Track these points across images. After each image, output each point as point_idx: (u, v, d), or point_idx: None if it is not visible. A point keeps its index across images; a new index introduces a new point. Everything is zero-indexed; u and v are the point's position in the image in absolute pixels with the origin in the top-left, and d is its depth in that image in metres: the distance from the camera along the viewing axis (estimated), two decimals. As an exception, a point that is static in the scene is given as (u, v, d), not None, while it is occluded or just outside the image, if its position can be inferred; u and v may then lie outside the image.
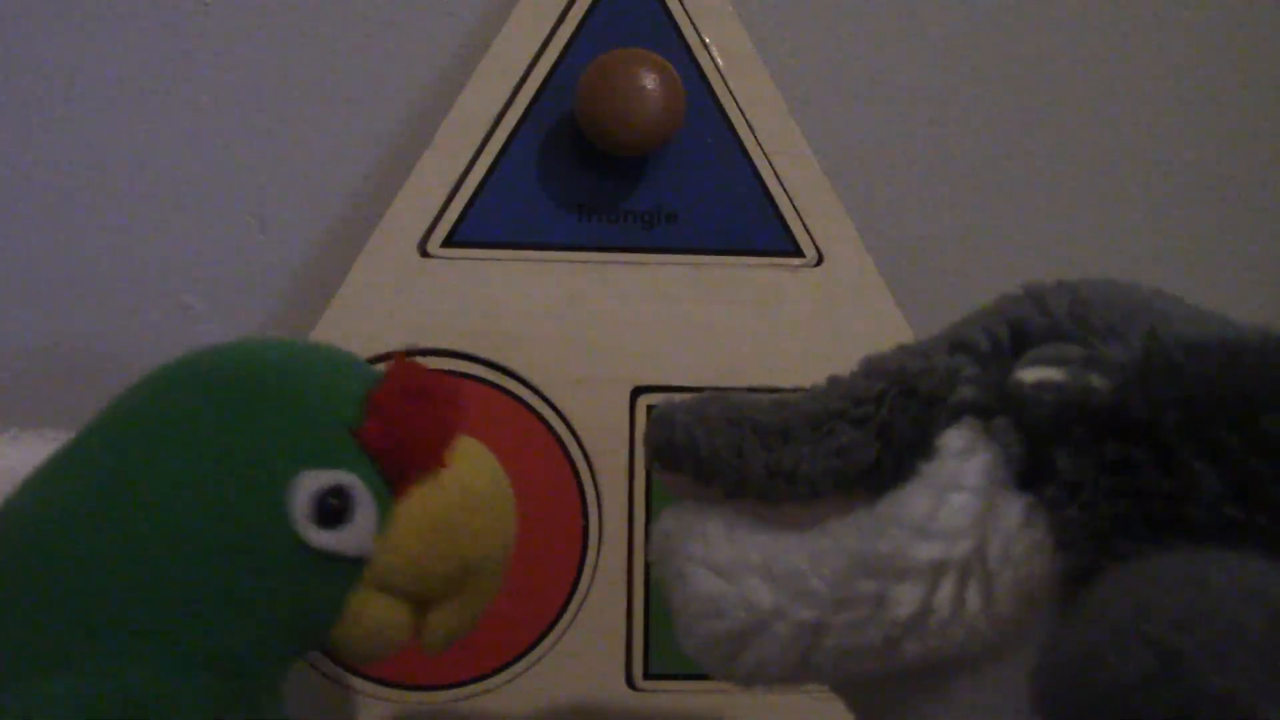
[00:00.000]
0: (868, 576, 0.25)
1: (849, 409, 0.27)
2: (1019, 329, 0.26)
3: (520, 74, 0.46)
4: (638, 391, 0.46)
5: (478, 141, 0.46)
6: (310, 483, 0.30)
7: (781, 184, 0.47)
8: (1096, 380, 0.24)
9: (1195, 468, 0.22)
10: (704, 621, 0.27)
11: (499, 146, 0.46)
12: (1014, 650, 0.25)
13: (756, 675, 0.27)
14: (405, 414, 0.31)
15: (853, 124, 0.55)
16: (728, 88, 0.47)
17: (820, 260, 0.47)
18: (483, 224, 0.46)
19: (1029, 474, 0.24)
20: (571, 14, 0.47)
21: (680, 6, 0.47)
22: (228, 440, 0.30)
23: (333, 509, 0.30)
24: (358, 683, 0.44)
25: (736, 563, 0.27)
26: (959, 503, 0.24)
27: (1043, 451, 0.24)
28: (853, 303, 0.47)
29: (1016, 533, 0.24)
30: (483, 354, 0.46)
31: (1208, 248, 0.58)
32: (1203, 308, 0.27)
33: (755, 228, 0.47)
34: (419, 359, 0.44)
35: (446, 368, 0.45)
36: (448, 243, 0.46)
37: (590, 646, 0.45)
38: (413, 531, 0.31)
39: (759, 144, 0.47)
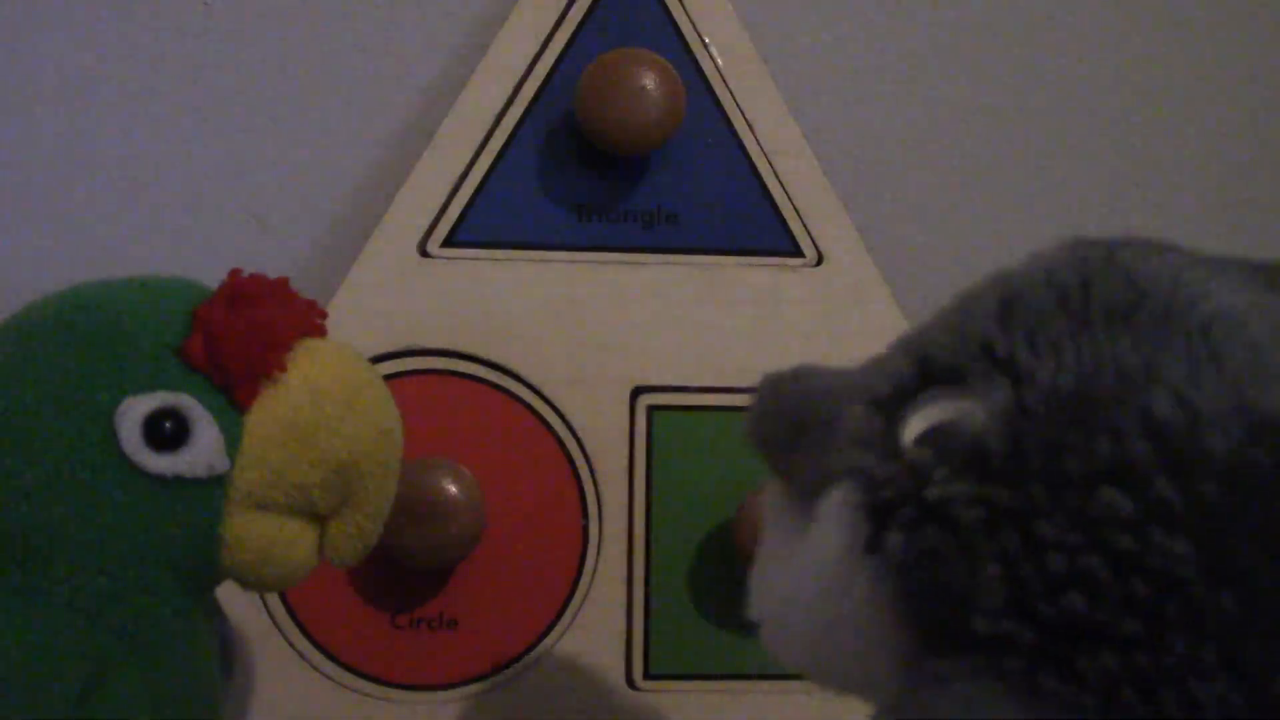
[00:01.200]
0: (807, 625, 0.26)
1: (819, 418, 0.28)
2: (925, 364, 0.25)
3: (520, 74, 0.46)
4: (638, 391, 0.46)
5: (478, 141, 0.46)
6: (135, 408, 0.30)
7: (781, 184, 0.47)
8: (955, 445, 0.23)
9: (988, 571, 0.22)
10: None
11: (499, 146, 0.46)
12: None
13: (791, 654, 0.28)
14: (229, 323, 0.31)
15: (853, 124, 0.55)
16: (728, 88, 0.47)
17: (820, 260, 0.47)
18: (483, 224, 0.46)
19: (872, 548, 0.24)
20: (571, 14, 0.47)
21: (680, 6, 0.47)
22: (50, 380, 0.30)
23: (168, 432, 0.30)
24: (358, 683, 0.44)
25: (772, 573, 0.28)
26: (823, 575, 0.25)
27: (883, 532, 0.23)
28: (853, 303, 0.47)
29: (865, 600, 0.24)
30: (483, 354, 0.46)
31: (1210, 248, 0.58)
32: (1213, 259, 0.26)
33: (755, 228, 0.47)
34: (419, 358, 0.44)
35: (446, 368, 0.45)
36: (448, 243, 0.46)
37: (590, 646, 0.45)
38: (267, 441, 0.31)
39: (759, 144, 0.47)
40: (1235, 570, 0.20)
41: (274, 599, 0.44)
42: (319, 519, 0.33)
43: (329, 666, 0.44)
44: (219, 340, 0.30)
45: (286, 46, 0.52)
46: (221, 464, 0.30)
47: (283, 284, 0.33)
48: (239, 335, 0.30)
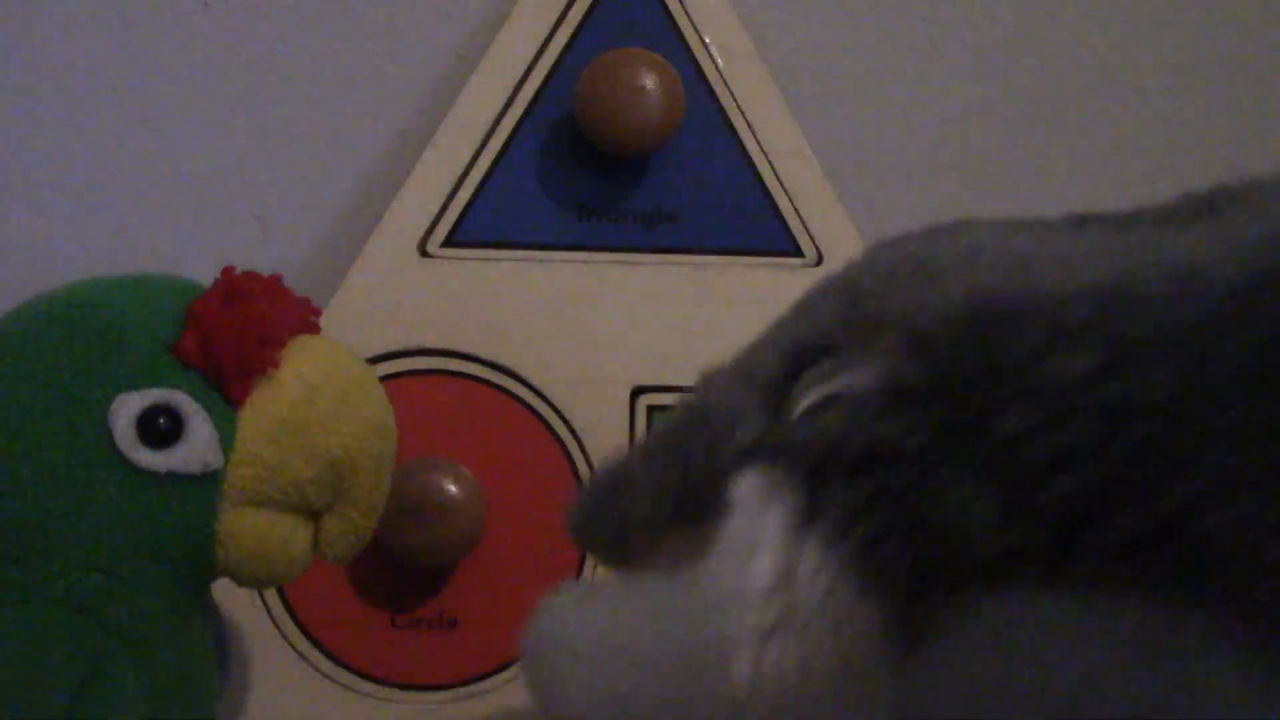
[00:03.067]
0: (704, 656, 0.23)
1: (669, 434, 0.27)
2: (795, 349, 0.25)
3: (520, 74, 0.46)
4: (638, 391, 0.46)
5: (478, 141, 0.46)
6: (127, 405, 0.30)
7: (781, 184, 0.47)
8: (853, 399, 0.22)
9: (959, 494, 0.21)
10: (583, 710, 0.27)
11: (499, 146, 0.46)
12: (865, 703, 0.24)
13: None
14: (222, 320, 0.31)
15: (853, 124, 0.55)
16: (728, 88, 0.47)
17: (820, 260, 0.47)
18: (483, 224, 0.46)
19: (813, 516, 0.23)
20: (571, 14, 0.47)
21: (680, 6, 0.47)
22: (44, 376, 0.30)
23: (162, 428, 0.30)
24: (358, 683, 0.44)
25: (594, 649, 0.26)
26: (762, 563, 0.23)
27: (818, 492, 0.22)
28: (853, 303, 0.47)
29: (814, 576, 0.22)
30: (483, 354, 0.45)
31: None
32: (1008, 221, 0.27)
33: (755, 228, 0.47)
34: (419, 358, 0.44)
35: (446, 368, 0.45)
36: (448, 243, 0.46)
37: (590, 646, 0.45)
38: (260, 437, 0.31)
39: (759, 144, 0.47)
40: (1235, 378, 0.19)
41: (274, 599, 0.44)
42: (313, 515, 0.33)
43: (329, 666, 0.44)
44: (213, 337, 0.31)
45: (286, 46, 0.52)
46: (216, 460, 0.31)
47: (276, 281, 0.33)
48: (233, 332, 0.31)
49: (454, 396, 0.45)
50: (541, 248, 0.46)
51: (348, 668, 0.44)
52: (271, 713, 0.44)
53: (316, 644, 0.44)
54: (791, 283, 0.47)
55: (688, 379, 0.46)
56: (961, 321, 0.22)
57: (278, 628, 0.44)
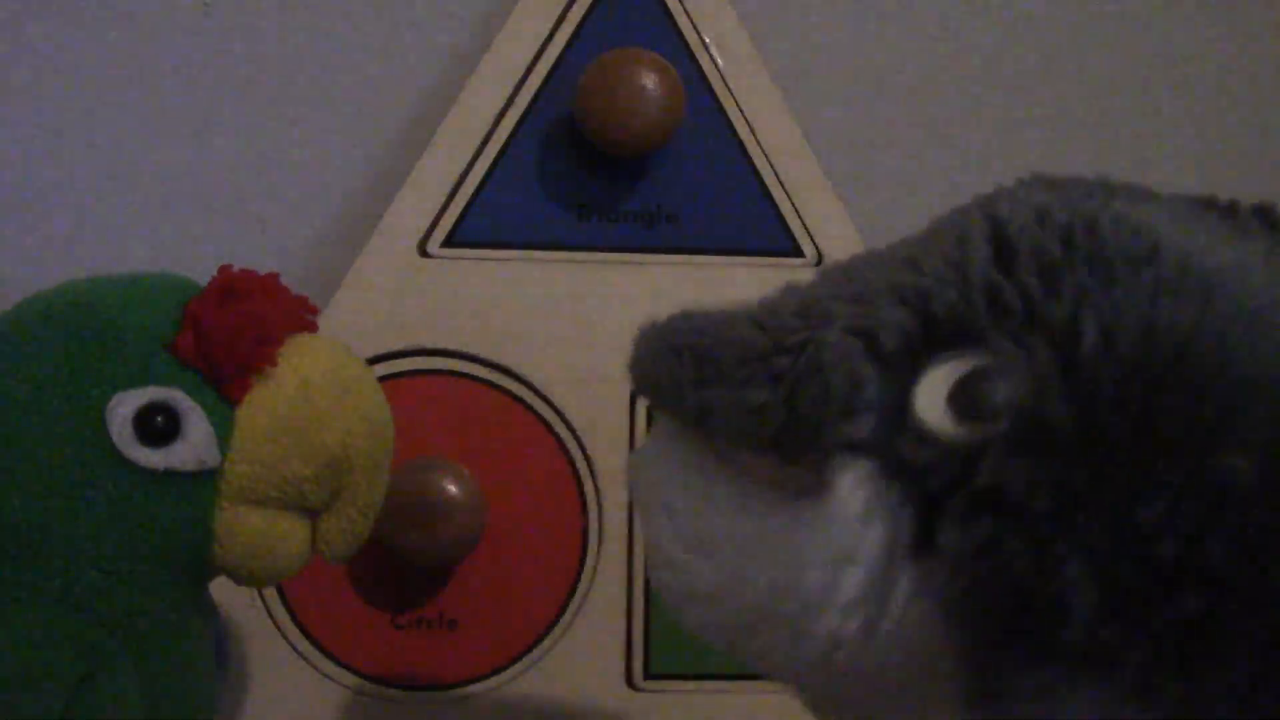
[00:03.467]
0: (786, 611, 0.22)
1: (771, 353, 0.23)
2: (927, 314, 0.21)
3: (520, 74, 0.46)
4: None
5: (478, 141, 0.46)
6: (125, 403, 0.30)
7: (781, 184, 0.47)
8: (986, 427, 0.20)
9: (1069, 571, 0.18)
10: (663, 573, 0.25)
11: (499, 146, 0.46)
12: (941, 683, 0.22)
13: (699, 634, 0.25)
14: (219, 318, 0.31)
15: (853, 124, 0.55)
16: (728, 88, 0.47)
17: (820, 260, 0.47)
18: (483, 224, 0.46)
19: (920, 544, 0.21)
20: (571, 14, 0.47)
21: (680, 6, 0.47)
22: (41, 375, 0.30)
23: (159, 426, 0.30)
24: (358, 683, 0.44)
25: (686, 528, 0.25)
26: (855, 577, 0.21)
27: (930, 523, 0.20)
28: (853, 303, 0.47)
29: (907, 605, 0.21)
30: (483, 354, 0.45)
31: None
32: (1178, 200, 0.23)
33: (755, 228, 0.47)
34: (419, 358, 0.44)
35: (446, 368, 0.45)
36: (448, 243, 0.46)
37: (590, 646, 0.45)
38: (258, 435, 0.31)
39: (759, 144, 0.47)
40: None
41: (274, 599, 0.44)
42: (311, 513, 0.33)
43: (329, 666, 0.44)
44: (209, 335, 0.31)
45: (286, 47, 0.52)
46: (212, 458, 0.31)
47: (273, 279, 0.33)
48: (229, 330, 0.31)
49: (454, 396, 0.45)
50: (541, 248, 0.46)
51: (348, 668, 0.44)
52: (271, 713, 0.44)
53: (316, 644, 0.44)
54: (791, 283, 0.47)
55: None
56: (1132, 362, 0.19)
57: (278, 628, 0.44)
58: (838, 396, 0.21)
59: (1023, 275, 0.20)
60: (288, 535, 0.32)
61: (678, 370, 0.24)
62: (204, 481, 0.31)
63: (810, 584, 0.22)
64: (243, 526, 0.31)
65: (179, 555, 0.31)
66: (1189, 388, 0.18)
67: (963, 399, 0.20)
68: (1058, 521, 0.19)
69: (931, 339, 0.21)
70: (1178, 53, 0.58)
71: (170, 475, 0.30)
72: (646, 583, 0.45)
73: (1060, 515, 0.19)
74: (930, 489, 0.20)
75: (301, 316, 0.33)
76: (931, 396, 0.21)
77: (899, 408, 0.21)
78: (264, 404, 0.31)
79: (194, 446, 0.30)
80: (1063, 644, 0.18)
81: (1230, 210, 0.24)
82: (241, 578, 0.33)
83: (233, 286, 0.32)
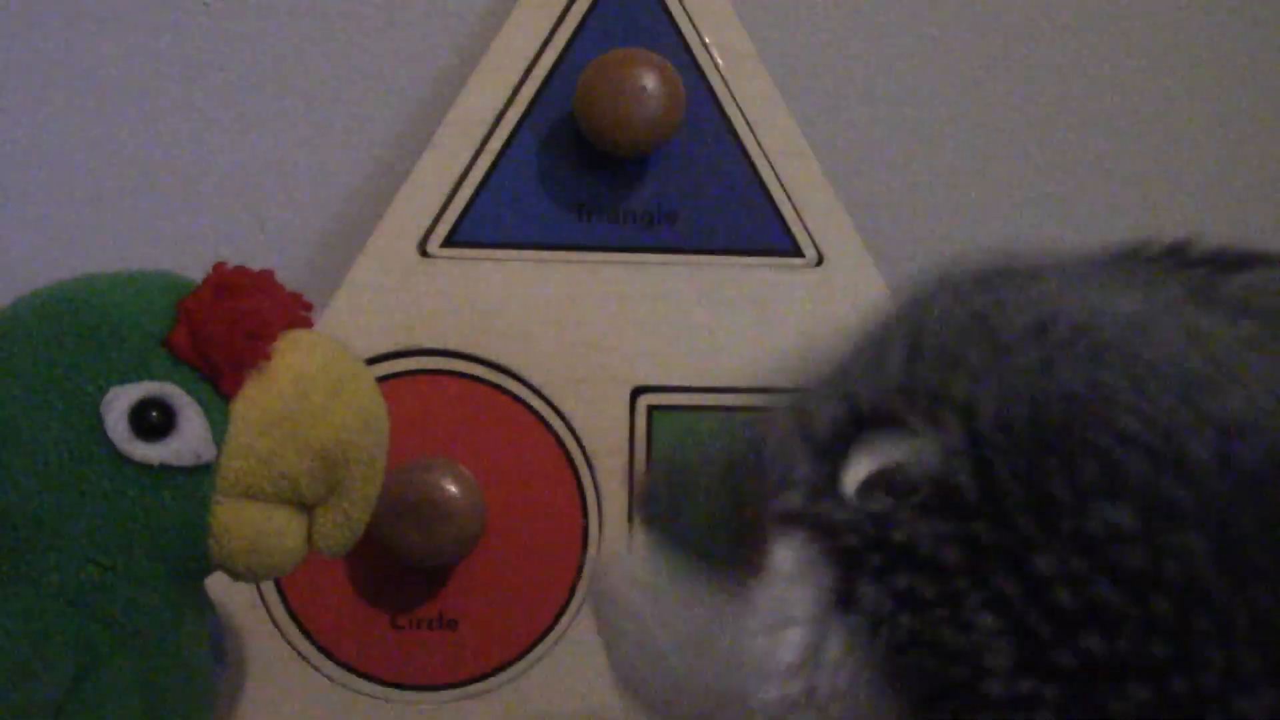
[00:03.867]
0: (728, 708, 0.24)
1: (732, 456, 0.26)
2: (854, 408, 0.24)
3: (520, 74, 0.46)
4: (638, 391, 0.46)
5: (478, 141, 0.46)
6: (121, 398, 0.30)
7: (781, 184, 0.47)
8: (904, 491, 0.22)
9: (983, 623, 0.20)
10: (626, 670, 0.28)
11: (499, 146, 0.46)
12: None
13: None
14: (213, 314, 0.31)
15: (853, 124, 0.55)
16: (728, 88, 0.47)
17: (820, 260, 0.47)
18: (483, 224, 0.46)
19: (846, 603, 0.22)
20: (571, 14, 0.47)
21: (680, 6, 0.47)
22: (37, 371, 0.31)
23: (154, 421, 0.30)
24: (358, 683, 0.44)
25: (644, 640, 0.27)
26: (791, 639, 0.23)
27: (852, 583, 0.22)
28: (853, 303, 0.47)
29: (840, 662, 0.22)
30: (483, 354, 0.45)
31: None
32: (1075, 266, 0.25)
33: (755, 228, 0.47)
34: (419, 358, 0.44)
35: (446, 368, 0.45)
36: (448, 243, 0.46)
37: (590, 647, 0.45)
38: (253, 429, 0.31)
39: (759, 144, 0.47)
40: (1258, 565, 0.19)
41: (274, 600, 0.44)
42: (307, 508, 0.33)
43: (329, 666, 0.44)
44: (204, 330, 0.31)
45: (286, 46, 0.52)
46: (208, 452, 0.31)
47: (268, 276, 0.33)
48: (224, 325, 0.31)
49: (454, 396, 0.45)
50: (541, 248, 0.46)
51: (348, 668, 0.44)
52: (271, 713, 0.44)
53: (316, 644, 0.44)
54: (791, 282, 0.47)
55: (687, 379, 0.46)
56: (1022, 430, 0.21)
57: (278, 628, 0.44)
58: (774, 473, 0.24)
59: (927, 370, 0.23)
60: (283, 530, 0.32)
61: (668, 495, 0.27)
62: (200, 476, 0.31)
63: (755, 653, 0.23)
64: (238, 521, 0.32)
65: (175, 550, 0.31)
66: (1074, 447, 0.20)
67: (883, 477, 0.23)
68: (968, 575, 0.21)
69: (858, 425, 0.24)
70: (1178, 52, 0.58)
71: (166, 470, 0.30)
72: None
73: (970, 568, 0.21)
74: (851, 547, 0.22)
75: (296, 312, 0.33)
76: (857, 474, 0.23)
77: (829, 486, 0.23)
78: (259, 399, 0.31)
79: (189, 441, 0.31)
80: (986, 697, 0.20)
81: (1143, 257, 0.26)
82: (238, 572, 0.33)
83: (228, 282, 0.32)
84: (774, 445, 0.25)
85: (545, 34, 0.47)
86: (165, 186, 0.52)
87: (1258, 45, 0.58)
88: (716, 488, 0.26)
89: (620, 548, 0.29)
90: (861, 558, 0.22)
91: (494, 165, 0.46)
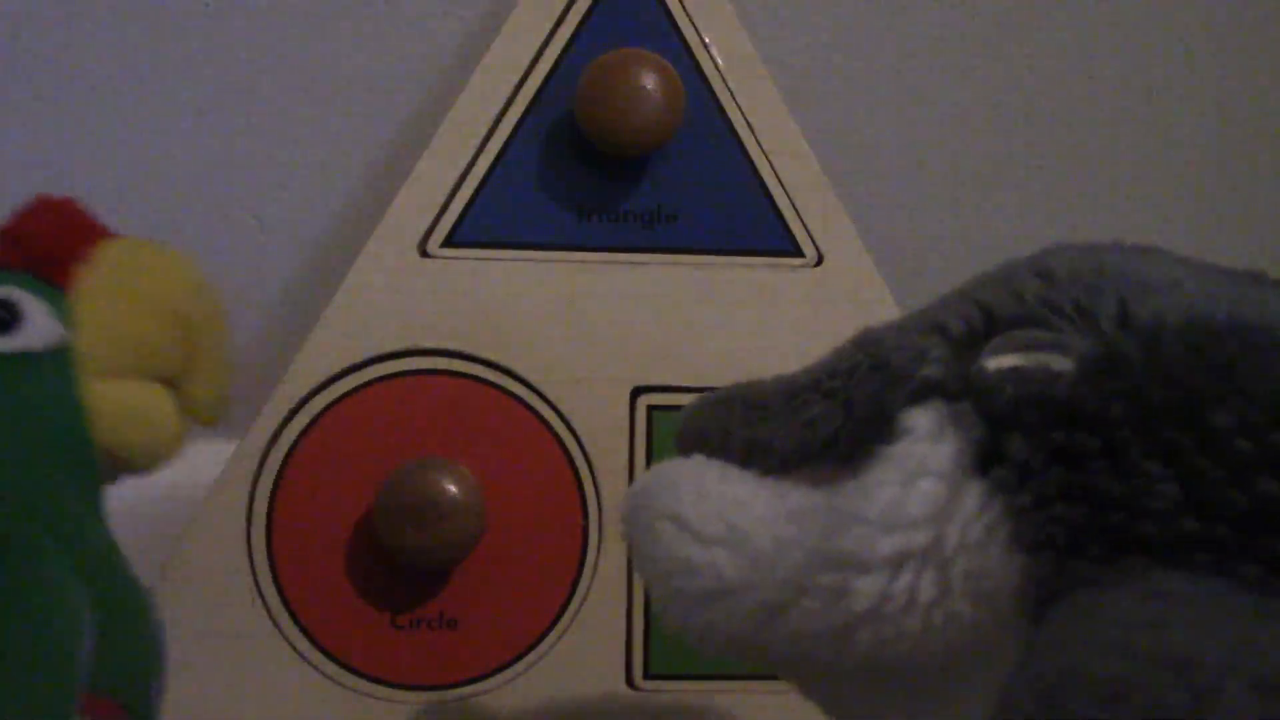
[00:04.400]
0: (830, 571, 0.24)
1: (823, 381, 0.26)
2: (989, 313, 0.24)
3: (520, 74, 0.46)
4: (638, 391, 0.46)
5: (478, 141, 0.46)
6: None
7: (781, 184, 0.47)
8: (1058, 366, 0.22)
9: (1147, 470, 0.21)
10: (672, 579, 0.26)
11: (499, 146, 0.46)
12: (979, 669, 0.23)
13: (708, 638, 0.26)
14: (28, 225, 0.36)
15: (853, 124, 0.55)
16: (728, 88, 0.47)
17: (820, 260, 0.47)
18: (483, 224, 0.46)
19: (987, 460, 0.23)
20: (571, 14, 0.47)
21: (680, 6, 0.47)
22: None
23: (3, 317, 0.34)
24: (358, 683, 0.44)
25: (706, 526, 0.26)
26: (926, 489, 0.23)
27: (1001, 438, 0.22)
28: (853, 303, 0.47)
29: (972, 517, 0.22)
30: (483, 354, 0.45)
31: (1212, 249, 0.58)
32: (1193, 260, 0.26)
33: (755, 228, 0.47)
34: (419, 358, 0.44)
35: (446, 368, 0.45)
36: (448, 243, 0.46)
37: (590, 646, 0.45)
38: (97, 303, 0.35)
39: (759, 144, 0.47)
40: None
41: (274, 599, 0.44)
42: (170, 384, 0.37)
43: (329, 666, 0.44)
44: (26, 239, 0.35)
45: (286, 46, 0.52)
46: (58, 332, 0.34)
47: (71, 202, 0.37)
48: (44, 231, 0.36)
49: (454, 396, 0.45)
50: (541, 248, 0.46)
51: (348, 668, 0.44)
52: (271, 713, 0.44)
53: (316, 644, 0.44)
54: (791, 282, 0.47)
55: (688, 379, 0.46)
56: (1184, 328, 0.22)
57: (278, 628, 0.44)
58: (902, 369, 0.24)
59: (1071, 292, 0.23)
60: (155, 403, 0.36)
61: (726, 417, 0.27)
62: (60, 357, 0.35)
63: (881, 502, 0.23)
64: (109, 399, 0.35)
65: (63, 437, 0.35)
66: (1230, 339, 0.21)
67: (1029, 359, 0.23)
68: (1135, 427, 0.21)
69: (995, 327, 0.24)
70: (1179, 53, 0.58)
71: (28, 358, 0.34)
72: (646, 583, 0.45)
73: (1137, 422, 0.21)
74: (1001, 405, 0.22)
75: (105, 230, 0.37)
76: (1000, 351, 0.23)
77: (972, 362, 0.23)
78: (95, 281, 0.35)
79: (38, 325, 0.34)
80: (1142, 536, 0.21)
81: (1249, 275, 0.26)
82: (129, 457, 0.36)
83: (38, 202, 0.36)
84: (896, 344, 0.24)
85: (545, 34, 0.47)
86: (165, 186, 0.52)
87: (1258, 45, 0.58)
88: (813, 401, 0.26)
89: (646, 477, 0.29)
90: (1012, 416, 0.22)
91: (494, 165, 0.46)
